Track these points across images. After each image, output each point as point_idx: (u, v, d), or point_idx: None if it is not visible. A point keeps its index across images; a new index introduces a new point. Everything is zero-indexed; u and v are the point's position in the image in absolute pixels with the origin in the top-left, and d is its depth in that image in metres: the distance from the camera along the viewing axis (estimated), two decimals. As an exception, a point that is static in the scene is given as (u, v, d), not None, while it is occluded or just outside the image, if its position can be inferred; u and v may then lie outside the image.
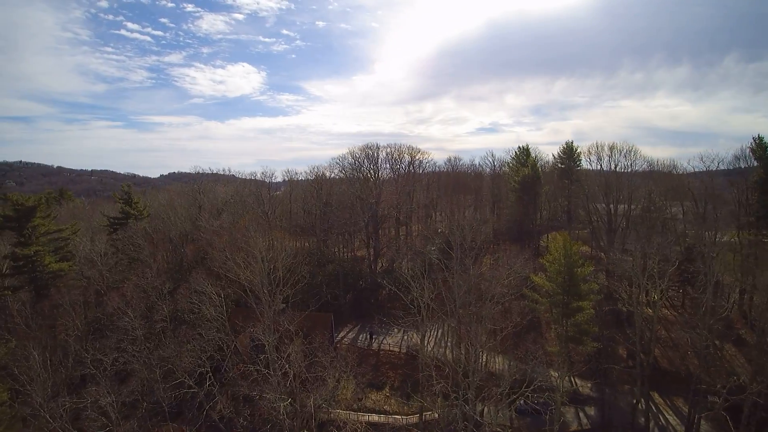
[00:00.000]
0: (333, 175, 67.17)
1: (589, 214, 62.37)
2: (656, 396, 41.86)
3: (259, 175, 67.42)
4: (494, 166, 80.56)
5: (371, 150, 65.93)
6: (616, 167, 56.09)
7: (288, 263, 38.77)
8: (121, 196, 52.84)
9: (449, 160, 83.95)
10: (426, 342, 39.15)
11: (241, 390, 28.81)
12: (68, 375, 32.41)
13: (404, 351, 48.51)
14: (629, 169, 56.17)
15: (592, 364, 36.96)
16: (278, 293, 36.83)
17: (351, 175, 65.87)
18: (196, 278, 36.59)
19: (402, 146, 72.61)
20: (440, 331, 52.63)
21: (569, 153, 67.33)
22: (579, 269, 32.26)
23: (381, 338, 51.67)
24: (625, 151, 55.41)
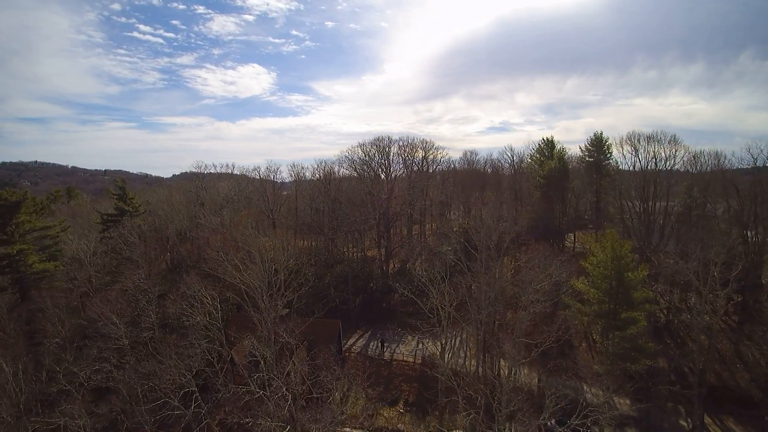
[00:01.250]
0: (342, 171, 62.91)
1: (622, 211, 56.89)
2: (706, 417, 36.66)
3: (263, 170, 63.51)
4: (513, 161, 75.40)
5: (383, 144, 61.45)
6: (655, 159, 50.46)
7: (291, 264, 34.61)
8: (115, 191, 49.34)
9: (465, 155, 79.02)
10: (447, 356, 34.59)
11: (232, 415, 24.62)
12: (41, 390, 28.69)
13: (420, 361, 43.95)
14: (670, 162, 50.53)
15: (639, 382, 31.89)
16: (279, 298, 32.65)
17: (361, 171, 61.46)
18: (188, 280, 32.62)
19: (415, 140, 68.03)
20: (458, 339, 48.03)
21: (598, 145, 61.71)
22: (630, 273, 27.22)
23: (394, 346, 47.19)
24: (665, 141, 49.77)
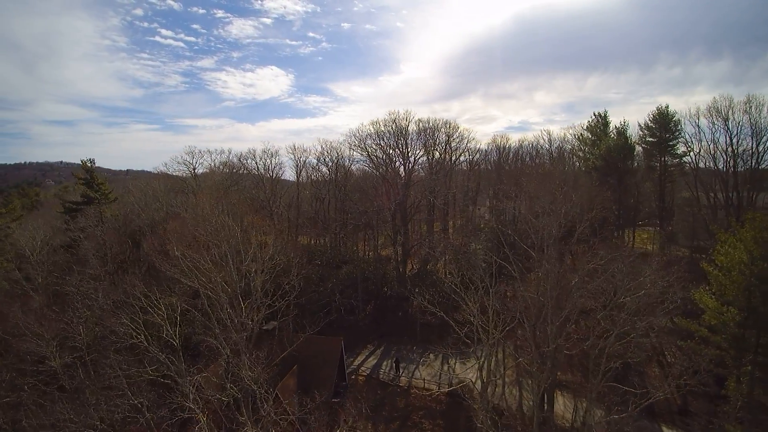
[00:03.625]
0: (353, 153, 53.44)
1: (695, 204, 45.65)
2: None
3: (259, 152, 54.59)
4: (551, 146, 64.43)
5: (399, 120, 51.79)
6: (754, 135, 38.98)
7: (275, 264, 25.62)
8: (82, 175, 41.73)
9: (494, 140, 68.53)
10: (488, 388, 24.82)
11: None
12: None
13: (446, 390, 34.23)
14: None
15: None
16: (254, 310, 23.69)
17: (373, 153, 52.04)
18: (132, 282, 24.05)
19: (438, 121, 58.15)
20: (493, 359, 38.03)
21: (662, 121, 50.46)
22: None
23: (412, 368, 37.61)
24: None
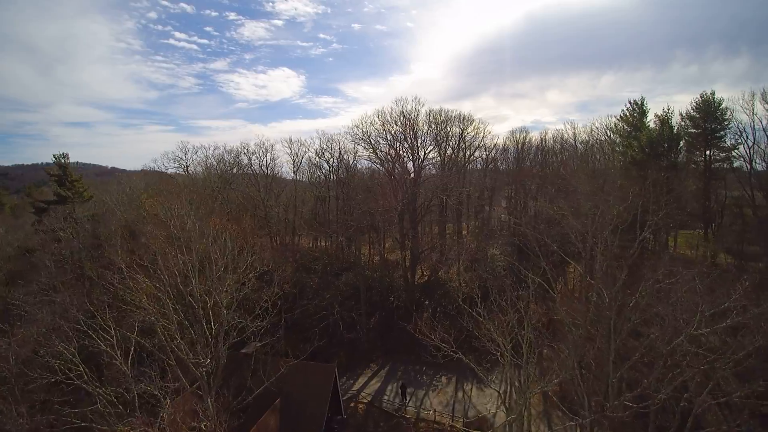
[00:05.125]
0: (357, 147, 48.32)
1: (753, 203, 39.42)
2: None
3: (252, 147, 50.00)
4: (575, 140, 58.33)
5: (407, 108, 46.49)
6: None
7: (241, 279, 20.68)
8: (54, 171, 37.58)
9: (512, 133, 62.83)
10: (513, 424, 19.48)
11: None
12: None
13: (460, 421, 28.84)
14: None
15: None
16: (219, 340, 18.85)
17: (376, 145, 46.84)
18: (77, 299, 19.42)
19: (450, 113, 52.79)
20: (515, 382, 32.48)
21: (708, 110, 44.20)
22: None
23: (421, 394, 32.32)
24: None
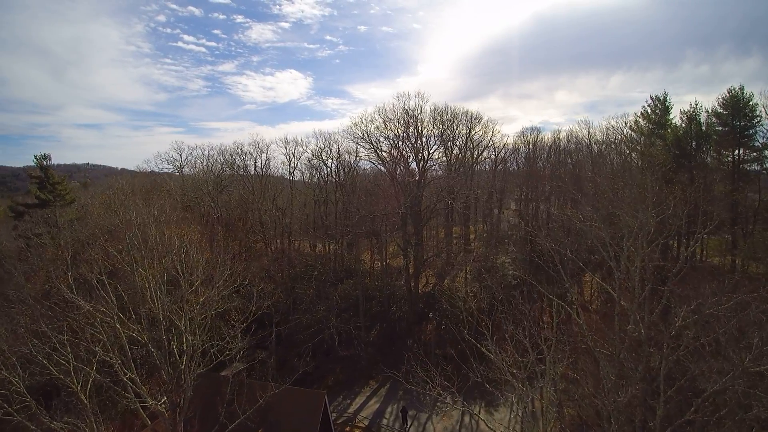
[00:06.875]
0: (358, 147, 45.68)
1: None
2: None
3: (246, 147, 47.79)
4: (590, 141, 54.93)
5: (411, 105, 43.65)
6: None
7: (221, 291, 18.09)
8: (35, 173, 35.49)
9: (523, 133, 59.68)
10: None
11: None
12: None
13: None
14: None
15: None
16: (192, 367, 16.27)
17: (377, 145, 44.06)
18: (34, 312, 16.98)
19: (457, 110, 49.93)
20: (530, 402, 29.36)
21: (737, 105, 40.70)
22: None
23: (424, 419, 29.43)
24: None
